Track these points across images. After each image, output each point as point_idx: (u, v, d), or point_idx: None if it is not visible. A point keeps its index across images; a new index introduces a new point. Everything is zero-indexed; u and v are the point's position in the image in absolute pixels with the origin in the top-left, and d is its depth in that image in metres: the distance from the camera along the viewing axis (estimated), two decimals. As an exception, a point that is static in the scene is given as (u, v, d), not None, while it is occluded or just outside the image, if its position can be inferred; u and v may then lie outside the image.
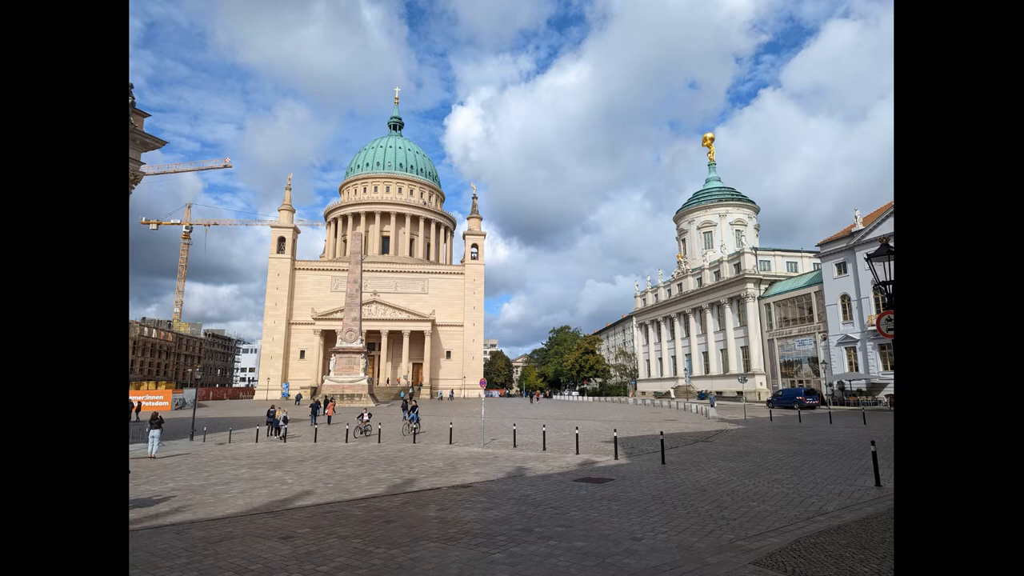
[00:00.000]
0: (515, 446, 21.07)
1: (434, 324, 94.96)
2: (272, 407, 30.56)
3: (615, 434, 19.95)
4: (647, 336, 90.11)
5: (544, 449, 20.11)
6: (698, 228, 79.62)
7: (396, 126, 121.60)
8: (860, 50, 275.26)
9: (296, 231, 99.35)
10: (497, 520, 9.74)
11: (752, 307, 63.60)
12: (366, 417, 29.52)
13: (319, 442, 24.41)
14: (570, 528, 9.10)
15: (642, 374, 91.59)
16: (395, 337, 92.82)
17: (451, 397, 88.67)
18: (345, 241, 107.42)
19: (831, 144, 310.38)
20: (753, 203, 79.97)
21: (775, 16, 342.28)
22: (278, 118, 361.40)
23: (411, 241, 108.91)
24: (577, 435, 20.84)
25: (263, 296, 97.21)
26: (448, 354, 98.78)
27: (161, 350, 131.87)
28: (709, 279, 71.96)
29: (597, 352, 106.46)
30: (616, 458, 17.43)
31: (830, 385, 51.09)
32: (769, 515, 9.78)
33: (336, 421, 36.21)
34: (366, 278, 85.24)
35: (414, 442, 23.60)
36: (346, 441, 24.50)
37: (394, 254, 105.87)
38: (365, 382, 61.77)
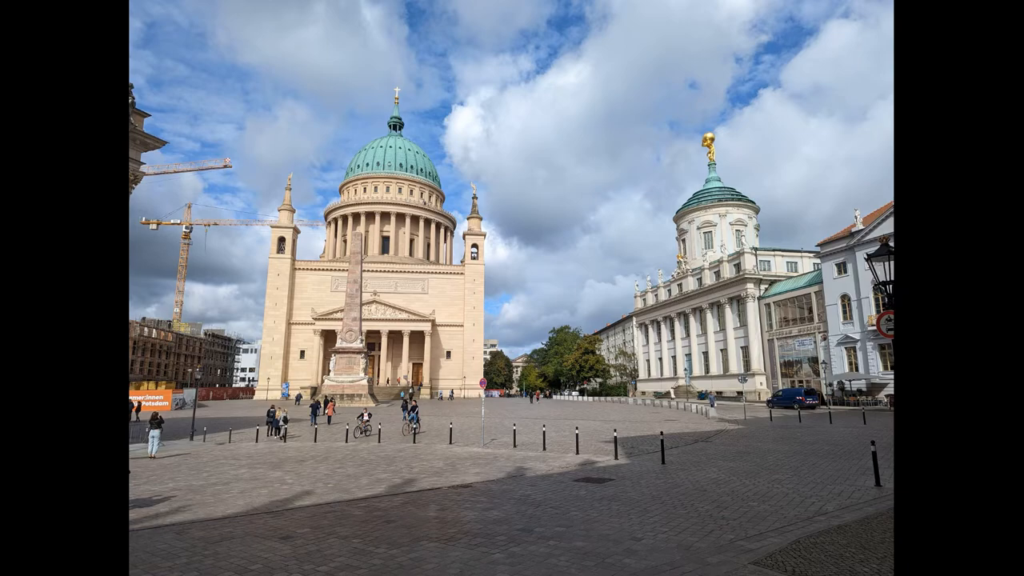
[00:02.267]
0: (515, 446, 21.08)
1: (434, 324, 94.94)
2: (272, 407, 30.55)
3: (615, 434, 19.95)
4: (647, 336, 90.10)
5: (544, 449, 20.11)
6: (698, 228, 79.61)
7: (396, 126, 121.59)
8: (860, 50, 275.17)
9: (296, 231, 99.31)
10: (497, 520, 9.74)
11: (752, 307, 63.60)
12: (366, 417, 29.51)
13: (319, 442, 24.40)
14: (570, 528, 9.10)
15: (642, 374, 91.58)
16: (395, 337, 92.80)
17: (451, 397, 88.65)
18: (345, 241, 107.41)
19: (831, 144, 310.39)
20: (753, 203, 79.97)
21: (775, 16, 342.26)
22: (278, 118, 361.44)
23: (411, 241, 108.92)
24: (577, 435, 20.84)
25: (263, 296, 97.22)
26: (448, 354, 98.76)
27: (161, 350, 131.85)
28: (709, 279, 71.96)
29: (597, 352, 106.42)
30: (616, 458, 17.43)
31: (830, 385, 51.09)
32: (769, 515, 9.78)
33: (336, 421, 36.19)
34: (366, 278, 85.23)
35: (414, 442, 23.59)
36: (346, 441, 24.49)
37: (394, 254, 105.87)
38: (365, 382, 61.76)
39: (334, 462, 18.13)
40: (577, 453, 18.74)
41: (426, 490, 12.98)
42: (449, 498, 11.92)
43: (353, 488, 13.43)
